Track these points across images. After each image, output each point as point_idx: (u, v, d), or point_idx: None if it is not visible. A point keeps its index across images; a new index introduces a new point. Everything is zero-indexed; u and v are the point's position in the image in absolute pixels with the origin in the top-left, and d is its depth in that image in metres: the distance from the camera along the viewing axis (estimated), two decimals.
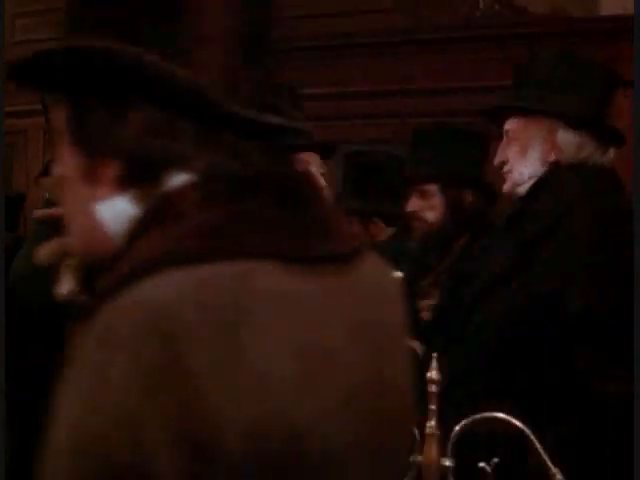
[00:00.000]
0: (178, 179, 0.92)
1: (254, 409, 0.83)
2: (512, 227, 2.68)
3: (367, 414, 0.93)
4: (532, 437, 1.60)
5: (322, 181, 2.97)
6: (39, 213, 2.11)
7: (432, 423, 1.67)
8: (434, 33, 4.80)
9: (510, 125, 2.70)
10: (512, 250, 2.58)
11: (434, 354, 1.68)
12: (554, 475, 1.59)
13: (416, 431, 1.66)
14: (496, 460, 1.64)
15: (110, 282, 0.87)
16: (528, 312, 2.49)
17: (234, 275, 0.86)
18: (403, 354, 1.04)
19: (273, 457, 0.83)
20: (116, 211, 0.94)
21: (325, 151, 3.06)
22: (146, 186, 0.93)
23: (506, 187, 2.72)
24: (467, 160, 3.28)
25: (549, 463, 1.59)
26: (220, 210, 0.90)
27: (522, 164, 2.65)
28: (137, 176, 0.93)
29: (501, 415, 1.65)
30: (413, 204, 3.27)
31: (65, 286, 1.35)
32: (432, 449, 1.67)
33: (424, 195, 3.23)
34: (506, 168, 2.71)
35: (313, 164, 2.97)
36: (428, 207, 3.21)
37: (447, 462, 1.66)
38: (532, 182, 2.64)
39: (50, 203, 2.64)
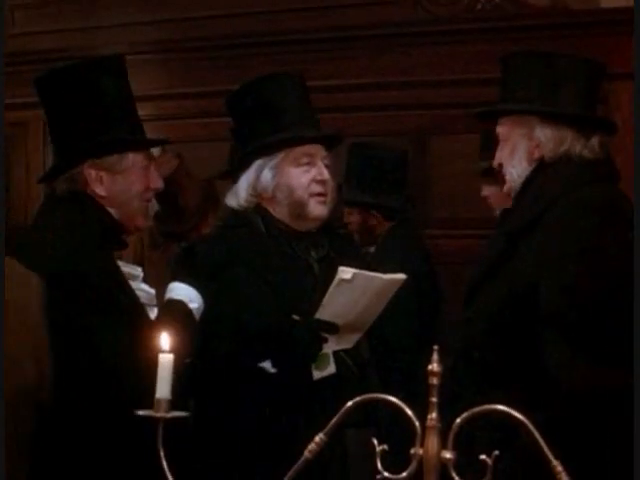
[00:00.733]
0: None
1: None
2: (502, 224, 2.73)
3: None
4: (533, 429, 1.61)
5: (326, 173, 2.97)
6: None
7: (433, 415, 1.67)
8: (435, 25, 4.79)
9: (498, 128, 2.74)
10: (499, 245, 2.63)
11: (435, 346, 1.68)
12: (555, 467, 1.59)
13: (417, 423, 1.66)
14: (496, 452, 1.64)
15: None
16: (508, 306, 2.52)
17: None
18: None
19: None
20: None
21: (330, 143, 3.06)
22: None
23: (505, 189, 2.75)
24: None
25: (550, 455, 1.60)
26: None
27: (511, 164, 2.69)
28: None
29: (501, 407, 1.65)
30: None
31: None
32: (433, 441, 1.67)
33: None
34: (501, 169, 2.74)
35: (318, 155, 2.97)
36: None
37: (448, 454, 1.67)
38: (522, 180, 2.67)
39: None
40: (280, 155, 2.94)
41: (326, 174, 2.96)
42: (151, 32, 5.34)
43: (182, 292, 2.66)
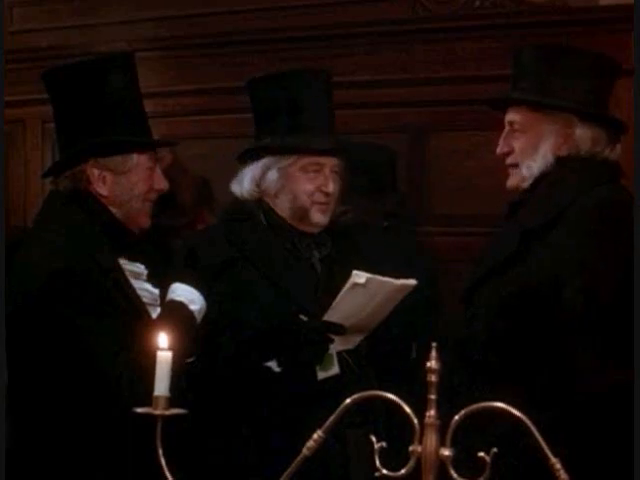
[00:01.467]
0: None
1: None
2: (513, 217, 2.68)
3: None
4: (532, 427, 1.61)
5: (332, 185, 2.96)
6: None
7: (431, 412, 1.67)
8: (433, 23, 4.79)
9: (514, 116, 2.67)
10: (513, 241, 2.58)
11: (434, 343, 1.68)
12: (554, 464, 1.59)
13: (415, 421, 1.66)
14: (495, 450, 1.64)
15: None
16: (517, 305, 2.50)
17: None
18: None
19: None
20: None
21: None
22: None
23: (511, 183, 2.70)
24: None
25: (549, 453, 1.60)
26: None
27: (531, 158, 2.63)
28: None
29: (500, 405, 1.65)
30: None
31: None
32: (431, 439, 1.67)
33: None
34: (510, 160, 2.68)
35: (327, 165, 2.96)
36: None
37: (446, 452, 1.66)
38: (537, 175, 2.63)
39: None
40: (290, 159, 2.93)
41: (331, 187, 2.95)
42: (149, 29, 5.33)
43: (183, 293, 2.65)
